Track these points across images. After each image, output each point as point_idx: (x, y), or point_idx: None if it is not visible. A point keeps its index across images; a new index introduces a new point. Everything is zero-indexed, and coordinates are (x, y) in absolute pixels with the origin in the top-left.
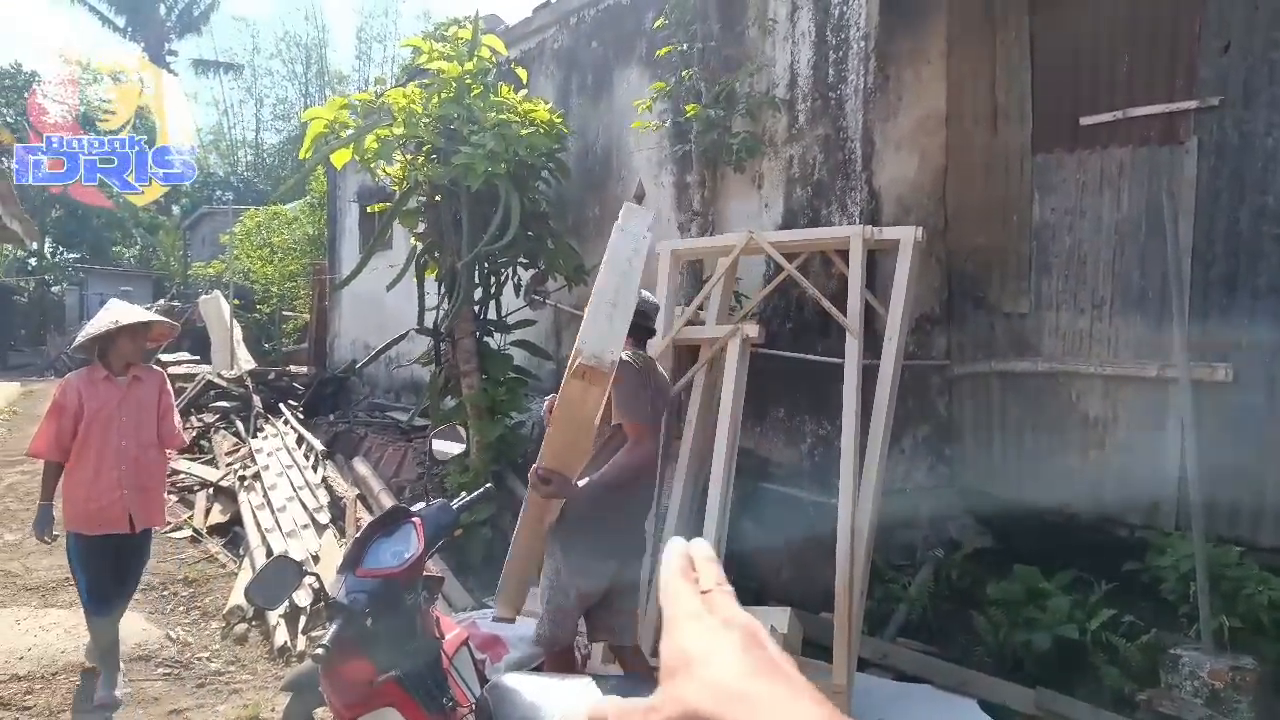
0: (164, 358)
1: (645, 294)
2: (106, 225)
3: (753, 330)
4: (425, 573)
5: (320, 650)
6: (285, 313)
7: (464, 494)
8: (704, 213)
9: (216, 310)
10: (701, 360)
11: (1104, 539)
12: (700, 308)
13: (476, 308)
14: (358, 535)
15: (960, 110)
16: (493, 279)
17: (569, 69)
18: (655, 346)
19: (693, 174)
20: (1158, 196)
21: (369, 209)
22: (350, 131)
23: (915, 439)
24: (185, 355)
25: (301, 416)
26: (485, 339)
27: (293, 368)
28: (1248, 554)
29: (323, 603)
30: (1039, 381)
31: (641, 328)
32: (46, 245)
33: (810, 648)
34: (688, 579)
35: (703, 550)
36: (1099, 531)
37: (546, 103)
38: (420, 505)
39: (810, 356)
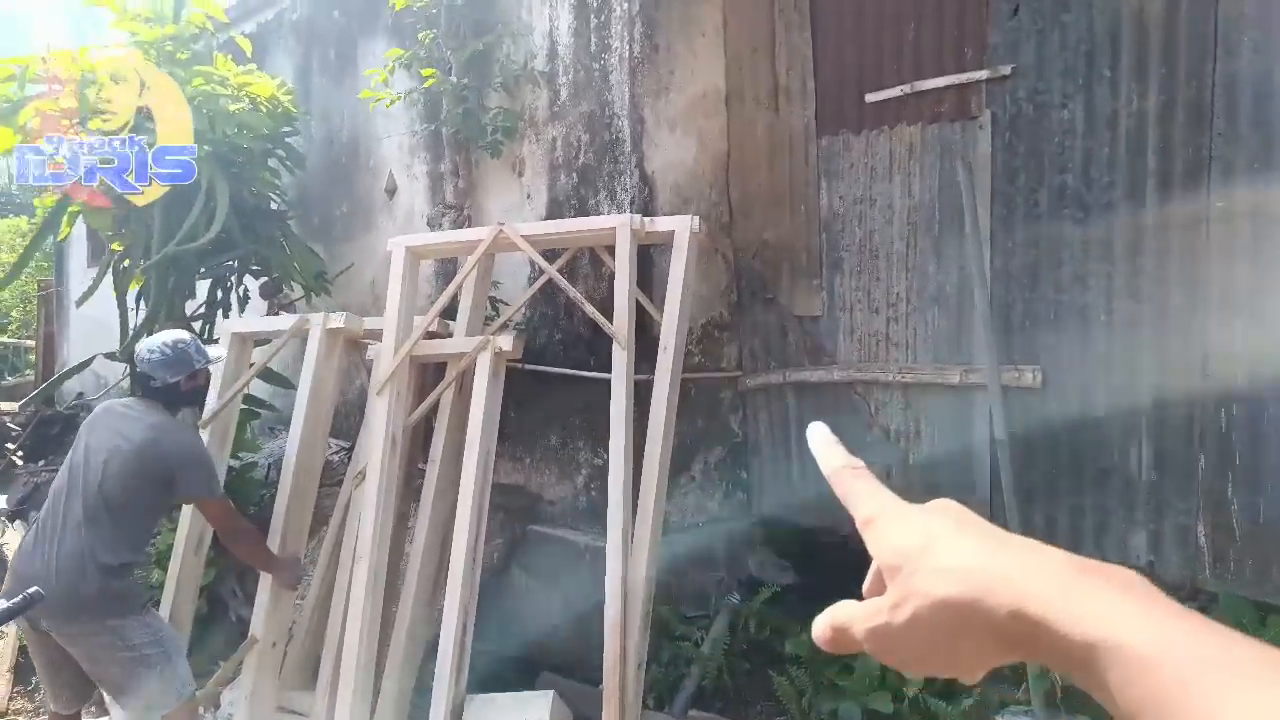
0: None
1: (145, 346)
2: None
3: (506, 342)
4: None
5: None
6: (3, 340)
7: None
8: (458, 205)
9: None
10: (447, 379)
11: None
12: (449, 317)
13: (199, 324)
14: None
15: (740, 88)
16: (218, 290)
17: (309, 43)
18: (387, 363)
19: (445, 161)
20: (952, 179)
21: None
22: (7, 105)
23: (707, 463)
24: None
25: (20, 463)
26: None
27: (4, 405)
28: None
29: None
30: (836, 392)
31: (151, 387)
32: None
33: None
34: (847, 471)
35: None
36: None
37: (278, 80)
38: None
39: (579, 372)
